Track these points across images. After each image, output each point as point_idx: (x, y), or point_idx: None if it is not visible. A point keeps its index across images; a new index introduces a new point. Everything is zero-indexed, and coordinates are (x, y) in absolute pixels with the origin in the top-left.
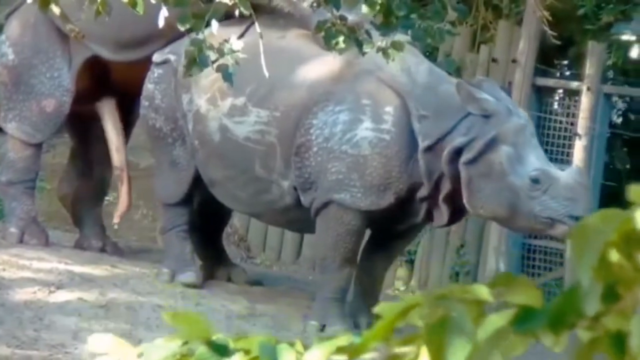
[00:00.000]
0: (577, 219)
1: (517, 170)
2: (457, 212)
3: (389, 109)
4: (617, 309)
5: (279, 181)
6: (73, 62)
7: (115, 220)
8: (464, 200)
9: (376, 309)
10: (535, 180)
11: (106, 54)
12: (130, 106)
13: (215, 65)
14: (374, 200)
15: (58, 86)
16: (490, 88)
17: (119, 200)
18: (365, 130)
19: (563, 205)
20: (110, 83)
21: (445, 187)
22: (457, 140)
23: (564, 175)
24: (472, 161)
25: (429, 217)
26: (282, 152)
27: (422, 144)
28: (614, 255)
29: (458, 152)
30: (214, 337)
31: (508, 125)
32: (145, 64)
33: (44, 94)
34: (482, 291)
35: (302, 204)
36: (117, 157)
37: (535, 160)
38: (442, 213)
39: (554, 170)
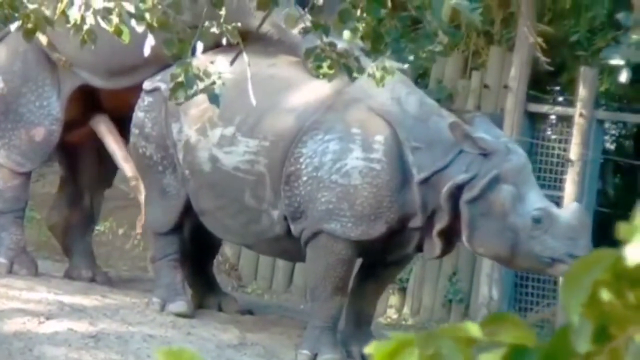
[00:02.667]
0: (577, 258)
1: (518, 209)
2: (449, 245)
3: (379, 138)
4: (609, 349)
5: (269, 211)
6: (62, 91)
7: (138, 230)
8: (464, 239)
9: (367, 349)
10: (537, 220)
11: (97, 81)
12: (120, 133)
13: (201, 87)
14: (365, 230)
15: (47, 115)
16: (483, 124)
17: (142, 211)
18: (355, 159)
19: (564, 245)
20: (100, 110)
21: (441, 221)
22: (458, 177)
23: (565, 215)
24: (474, 200)
25: (419, 247)
26: (272, 181)
27: (418, 176)
28: (606, 295)
29: (459, 188)
30: None
31: (509, 164)
32: (135, 90)
33: (33, 123)
34: (474, 329)
35: (292, 233)
36: (127, 167)
37: (535, 198)
38: (435, 245)
39: (554, 208)
